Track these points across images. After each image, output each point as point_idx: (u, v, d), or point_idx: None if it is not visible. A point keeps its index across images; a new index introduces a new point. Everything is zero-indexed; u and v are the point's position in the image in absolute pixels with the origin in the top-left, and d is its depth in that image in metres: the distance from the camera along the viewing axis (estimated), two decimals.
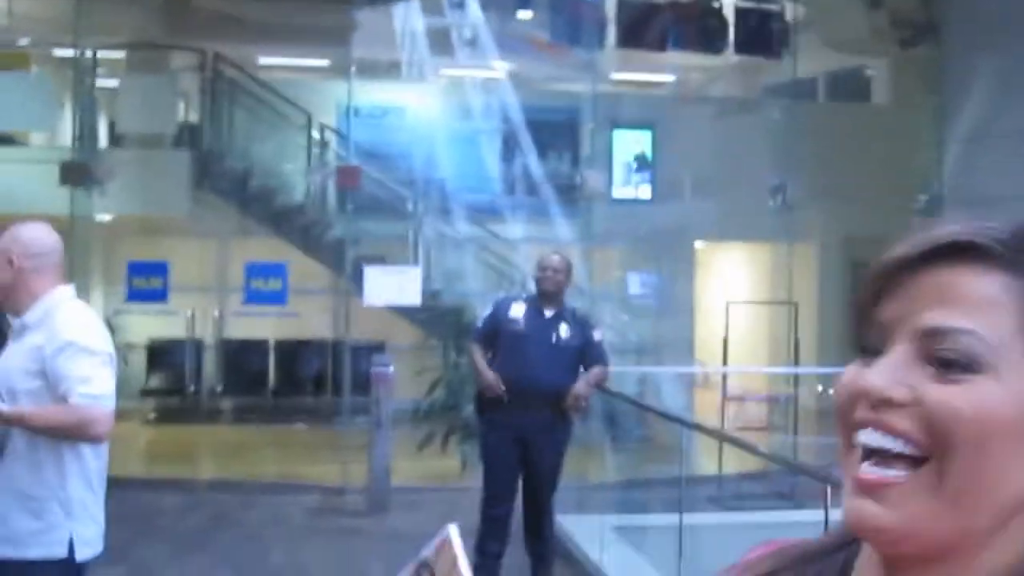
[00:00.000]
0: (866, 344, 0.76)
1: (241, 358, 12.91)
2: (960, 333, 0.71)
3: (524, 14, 12.53)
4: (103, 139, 11.99)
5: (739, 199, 11.36)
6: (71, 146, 10.50)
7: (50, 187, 9.73)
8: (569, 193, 11.68)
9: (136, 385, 12.34)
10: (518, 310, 6.07)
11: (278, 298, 10.31)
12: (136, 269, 10.40)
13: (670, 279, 12.78)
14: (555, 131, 12.40)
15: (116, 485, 8.92)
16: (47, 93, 10.82)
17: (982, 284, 0.72)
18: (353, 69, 10.83)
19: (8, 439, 3.04)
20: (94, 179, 10.05)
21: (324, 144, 11.93)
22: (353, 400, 9.55)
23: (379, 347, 11.06)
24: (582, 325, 6.14)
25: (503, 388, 5.87)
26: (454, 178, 11.94)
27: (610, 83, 13.30)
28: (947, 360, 0.71)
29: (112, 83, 12.09)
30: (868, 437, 0.73)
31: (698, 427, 6.62)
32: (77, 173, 9.87)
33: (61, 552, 3.07)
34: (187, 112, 12.20)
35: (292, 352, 12.90)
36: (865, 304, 0.76)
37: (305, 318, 12.13)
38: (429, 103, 12.57)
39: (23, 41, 12.36)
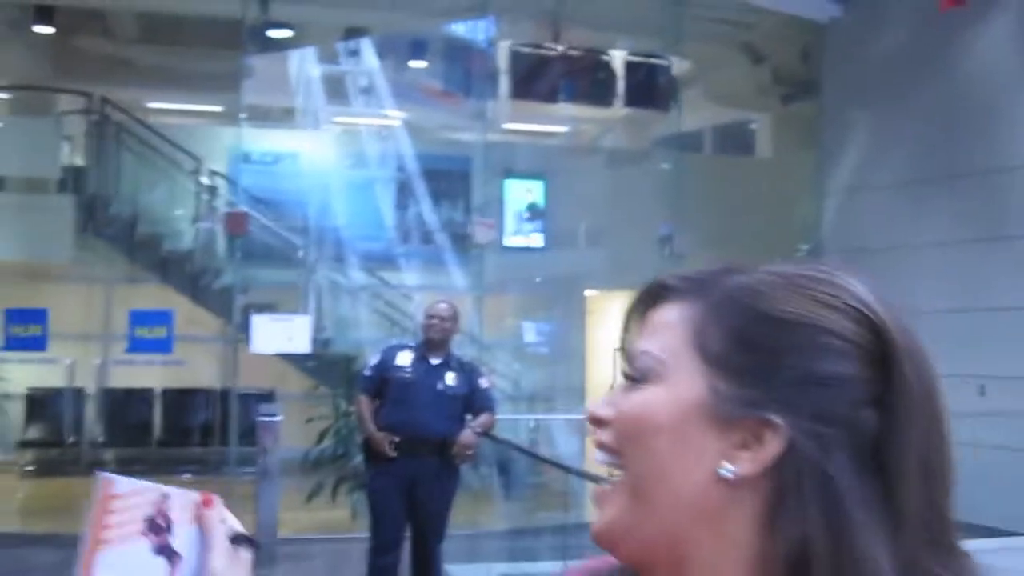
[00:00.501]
0: None
1: (125, 408, 12.57)
2: (639, 353, 0.85)
3: (418, 63, 12.66)
4: None
5: (628, 248, 11.57)
6: None
7: None
8: (462, 241, 11.75)
9: (13, 436, 11.92)
10: (405, 358, 6.10)
11: (163, 346, 10.09)
12: (13, 316, 10.08)
13: (562, 327, 12.91)
14: (448, 180, 12.48)
15: None
16: None
17: (664, 314, 0.85)
18: (244, 115, 10.77)
19: None
20: None
21: (214, 190, 11.78)
22: (241, 450, 9.40)
23: (268, 395, 10.90)
24: (469, 372, 6.18)
25: (392, 441, 5.88)
26: (347, 226, 11.92)
27: (502, 132, 13.47)
28: (631, 377, 0.85)
29: None
30: (598, 456, 0.85)
31: (581, 473, 6.67)
32: None
33: None
34: (72, 156, 11.95)
35: (178, 401, 12.62)
36: (626, 343, 0.89)
37: (192, 366, 11.90)
38: (322, 150, 12.55)
39: None
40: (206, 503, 0.96)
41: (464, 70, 12.18)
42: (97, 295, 12.24)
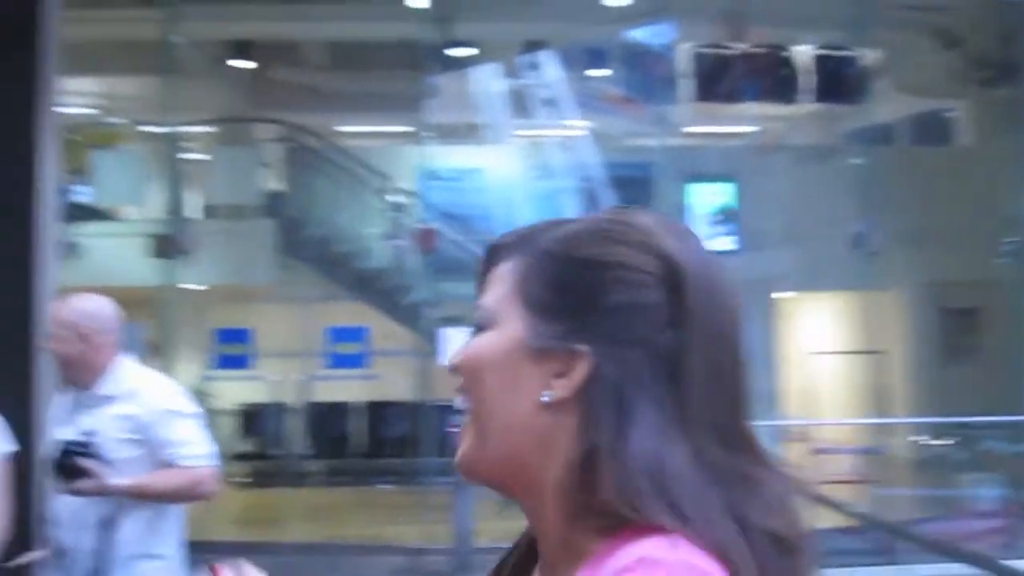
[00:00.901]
0: None
1: (327, 421, 13.06)
2: (478, 307, 0.98)
3: (599, 71, 12.67)
4: (192, 211, 12.36)
5: (821, 248, 11.22)
6: (161, 218, 10.84)
7: (142, 259, 10.07)
8: None
9: (225, 450, 12.56)
10: None
11: (359, 361, 10.46)
12: (223, 336, 10.66)
13: (752, 331, 12.62)
14: (632, 186, 12.42)
15: (205, 549, 9.07)
16: (137, 168, 11.23)
17: (498, 269, 0.98)
18: (430, 133, 11.04)
19: (119, 510, 3.13)
20: (183, 250, 10.37)
21: (403, 208, 12.11)
22: (437, 460, 9.61)
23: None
24: None
25: None
26: None
27: (685, 136, 13.32)
28: (474, 327, 0.98)
29: (200, 156, 12.51)
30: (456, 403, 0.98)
31: None
32: (167, 245, 10.20)
33: None
34: (271, 182, 12.53)
35: (377, 414, 13.01)
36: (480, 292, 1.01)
37: (389, 380, 12.24)
38: (507, 163, 12.71)
39: (117, 120, 12.89)
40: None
41: (645, 75, 12.11)
42: (297, 314, 12.77)
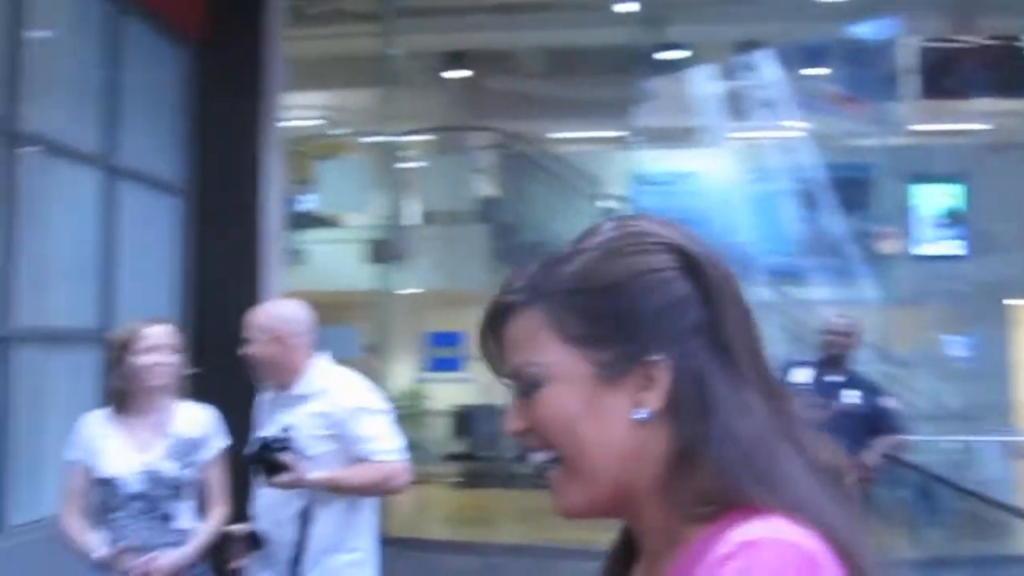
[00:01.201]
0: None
1: None
2: (522, 367, 1.00)
3: (818, 70, 12.27)
4: (409, 217, 12.75)
5: None
6: (380, 225, 11.23)
7: (360, 264, 10.47)
8: (869, 252, 11.20)
9: (438, 450, 12.89)
10: (803, 375, 5.89)
11: None
12: (435, 339, 10.93)
13: (984, 339, 11.89)
14: (853, 188, 11.96)
15: (415, 547, 9.32)
16: (360, 177, 11.69)
17: (518, 326, 1.01)
18: (641, 137, 10.98)
19: (317, 504, 3.27)
20: (399, 255, 10.72)
21: (614, 213, 12.09)
22: None
23: None
24: (871, 390, 5.86)
25: None
26: (749, 241, 11.76)
27: (910, 135, 12.70)
28: (525, 388, 1.00)
29: (417, 164, 12.89)
30: (533, 458, 1.01)
31: (997, 503, 6.12)
32: (384, 250, 10.57)
33: None
34: (484, 188, 12.78)
35: None
36: (491, 364, 1.07)
37: None
38: (722, 166, 12.49)
39: (339, 131, 13.47)
40: None
41: (867, 72, 11.65)
42: None
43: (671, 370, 0.95)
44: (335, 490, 3.27)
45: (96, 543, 3.29)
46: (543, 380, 0.97)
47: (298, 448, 3.26)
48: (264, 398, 3.54)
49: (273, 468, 3.21)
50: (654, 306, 0.96)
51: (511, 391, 1.02)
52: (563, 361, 0.97)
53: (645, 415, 0.95)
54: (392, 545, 9.05)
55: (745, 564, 0.84)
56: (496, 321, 1.03)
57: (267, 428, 3.39)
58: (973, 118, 12.86)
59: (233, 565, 3.42)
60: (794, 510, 0.89)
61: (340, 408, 3.32)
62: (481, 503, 12.27)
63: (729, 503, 0.90)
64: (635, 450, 0.96)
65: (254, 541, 3.36)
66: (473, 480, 12.97)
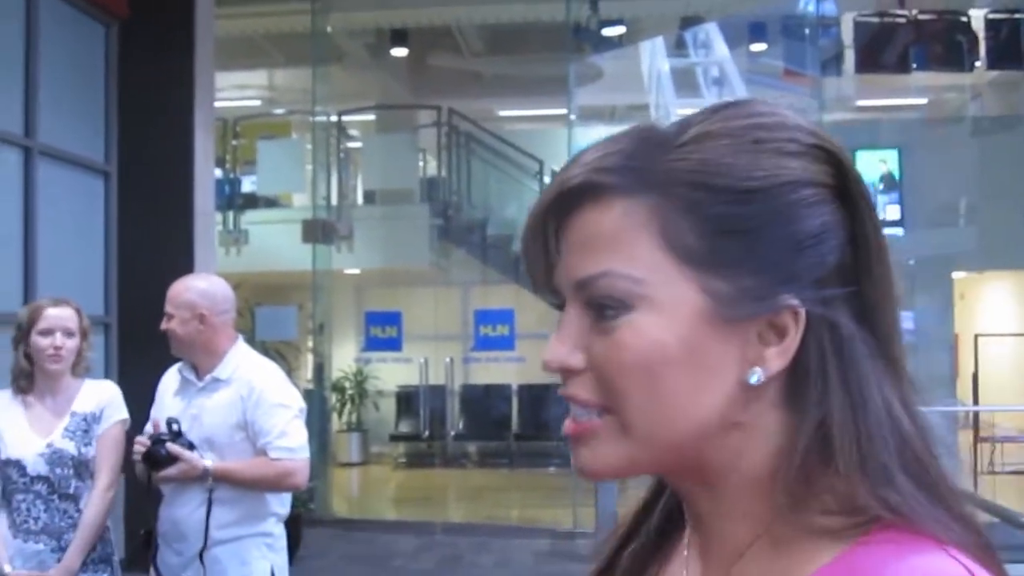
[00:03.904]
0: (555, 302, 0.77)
1: (477, 403, 13.17)
2: (597, 278, 0.70)
3: (757, 45, 12.31)
4: (350, 196, 12.65)
5: (1001, 225, 10.58)
6: (321, 205, 11.12)
7: (301, 244, 10.36)
8: None
9: (385, 430, 12.85)
10: None
11: (506, 343, 10.49)
12: (374, 319, 10.87)
13: (926, 312, 12.03)
14: None
15: (359, 527, 9.30)
16: (299, 156, 11.56)
17: (603, 220, 0.71)
18: (584, 115, 10.94)
19: (215, 491, 3.20)
20: (341, 235, 10.63)
21: None
22: None
23: None
24: None
25: None
26: None
27: (851, 109, 12.79)
28: (602, 309, 0.71)
29: (359, 144, 12.79)
30: (573, 410, 0.73)
31: None
32: (326, 230, 10.46)
33: None
34: (427, 167, 12.70)
35: (532, 397, 13.04)
36: (539, 269, 0.76)
37: (536, 363, 12.20)
38: None
39: (279, 111, 13.32)
40: None
41: (808, 48, 11.68)
42: (453, 297, 12.93)
43: (803, 322, 0.70)
44: (228, 482, 3.19)
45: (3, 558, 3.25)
46: (633, 302, 0.70)
47: (187, 439, 3.19)
48: (171, 375, 3.44)
49: (161, 462, 3.14)
50: (796, 231, 0.70)
51: (568, 310, 0.73)
52: (667, 281, 0.70)
53: (757, 379, 0.71)
54: (338, 526, 9.07)
55: None
56: (565, 206, 0.73)
57: (161, 415, 3.30)
58: (912, 92, 12.97)
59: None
60: (965, 539, 0.68)
61: (251, 398, 3.23)
62: (425, 483, 12.26)
63: (872, 517, 0.68)
64: (731, 421, 0.71)
65: (147, 541, 3.31)
66: (417, 460, 12.95)
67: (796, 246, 0.70)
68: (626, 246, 0.70)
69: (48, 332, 3.35)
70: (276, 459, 3.19)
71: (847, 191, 0.73)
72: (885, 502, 0.67)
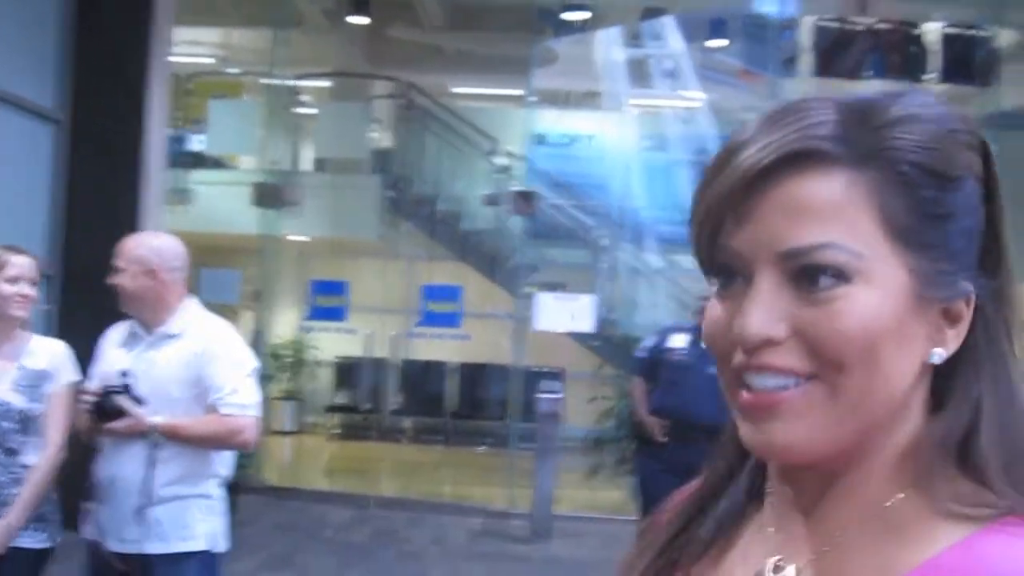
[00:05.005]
0: (716, 269, 0.76)
1: (421, 379, 13.17)
2: (820, 248, 0.70)
3: (718, 42, 12.38)
4: (301, 163, 12.52)
5: None
6: (271, 169, 10.99)
7: (249, 208, 10.23)
8: None
9: (323, 401, 12.78)
10: (680, 340, 5.93)
11: (452, 320, 10.49)
12: (319, 288, 10.79)
13: None
14: None
15: (292, 496, 9.24)
16: (252, 119, 11.41)
17: (825, 189, 0.71)
18: (541, 97, 10.93)
19: (160, 448, 3.16)
20: (289, 201, 10.51)
21: (510, 171, 12.06)
22: (524, 425, 9.58)
23: (555, 374, 11.05)
24: None
25: (663, 426, 5.77)
26: (643, 208, 11.86)
27: None
28: (815, 278, 0.70)
29: (313, 110, 12.65)
30: (761, 382, 0.72)
31: None
32: (274, 195, 10.34)
33: (204, 545, 3.24)
34: (381, 139, 12.61)
35: (471, 375, 13.07)
36: (713, 229, 0.74)
37: (484, 342, 12.26)
38: (619, 132, 12.54)
39: (233, 70, 13.11)
40: None
41: (766, 48, 11.78)
42: (398, 270, 12.88)
43: (972, 309, 0.74)
44: (176, 438, 3.16)
45: None
46: (851, 273, 0.70)
47: (136, 393, 3.15)
48: (117, 331, 3.40)
49: (109, 414, 3.10)
50: (975, 223, 0.75)
51: (761, 279, 0.72)
52: (882, 257, 0.71)
53: (941, 358, 0.74)
54: (271, 494, 8.99)
55: None
56: (777, 170, 0.71)
57: (110, 369, 3.25)
58: None
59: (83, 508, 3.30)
60: None
61: (204, 354, 3.20)
62: (360, 455, 12.22)
63: (1005, 509, 0.70)
64: (901, 399, 0.74)
65: (89, 492, 3.26)
66: (353, 432, 12.91)
67: (973, 237, 0.74)
68: (849, 218, 0.70)
69: (15, 280, 3.29)
70: (227, 415, 3.17)
71: (991, 184, 0.76)
72: (1019, 496, 0.70)
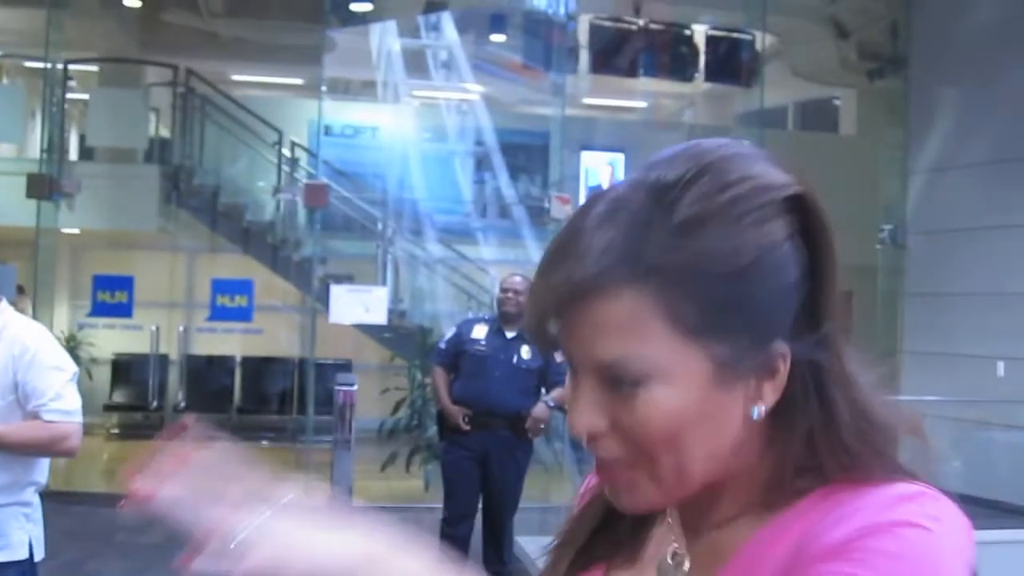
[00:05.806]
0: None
1: (206, 374, 12.85)
2: (617, 361, 0.79)
3: (498, 37, 12.63)
4: (74, 152, 11.95)
5: None
6: (40, 158, 10.44)
7: (18, 199, 9.69)
8: (539, 215, 11.72)
9: (99, 400, 12.24)
10: (480, 331, 6.13)
11: (244, 315, 10.31)
12: (101, 283, 10.35)
13: None
14: (526, 154, 12.47)
15: (75, 500, 8.86)
16: (19, 104, 10.79)
17: (615, 310, 0.78)
18: (325, 88, 10.86)
19: None
20: (63, 191, 10.01)
21: (295, 162, 11.93)
22: (318, 419, 9.54)
23: (345, 366, 11.04)
24: None
25: (465, 414, 5.94)
26: (425, 199, 11.99)
27: (581, 107, 13.39)
28: (621, 383, 0.80)
29: (84, 96, 12.07)
30: (600, 458, 0.84)
31: None
32: (46, 185, 9.82)
33: (23, 554, 3.14)
34: (158, 127, 12.18)
35: (258, 369, 12.85)
36: (541, 332, 0.83)
37: (272, 335, 12.09)
38: (401, 123, 12.61)
39: None
40: None
41: (544, 44, 12.11)
42: (180, 264, 12.50)
43: (790, 360, 0.82)
44: (1, 445, 3.05)
45: None
46: (649, 377, 0.79)
47: None
48: None
49: None
50: (777, 287, 0.81)
51: (582, 379, 0.82)
52: (676, 356, 0.79)
53: (760, 414, 0.82)
54: (52, 500, 8.52)
55: (929, 507, 0.77)
56: (573, 300, 0.79)
57: None
58: (637, 96, 13.75)
59: None
60: (912, 479, 0.81)
61: (25, 359, 3.08)
62: (140, 455, 11.79)
63: (838, 477, 0.82)
64: (736, 445, 0.83)
65: None
66: (135, 431, 12.44)
67: (781, 296, 0.81)
68: (640, 331, 0.78)
69: None
70: (51, 422, 3.08)
71: (813, 232, 0.83)
72: (839, 462, 0.82)
